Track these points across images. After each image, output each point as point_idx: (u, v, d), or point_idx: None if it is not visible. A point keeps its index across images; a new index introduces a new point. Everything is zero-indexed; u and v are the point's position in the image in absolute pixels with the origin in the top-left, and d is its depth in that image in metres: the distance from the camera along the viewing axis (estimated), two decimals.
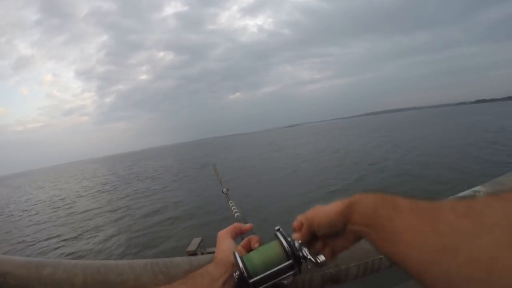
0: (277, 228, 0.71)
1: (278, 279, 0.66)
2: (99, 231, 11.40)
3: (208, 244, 6.95)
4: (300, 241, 0.68)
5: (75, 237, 11.01)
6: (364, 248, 0.87)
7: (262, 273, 0.64)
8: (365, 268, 0.87)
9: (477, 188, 1.16)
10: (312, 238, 0.70)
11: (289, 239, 0.68)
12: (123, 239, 10.11)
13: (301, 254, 0.67)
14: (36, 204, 21.04)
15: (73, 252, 9.57)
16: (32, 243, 11.16)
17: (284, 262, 0.65)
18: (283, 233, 0.69)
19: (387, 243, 0.55)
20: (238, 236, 0.82)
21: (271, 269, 0.64)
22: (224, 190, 1.30)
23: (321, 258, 0.67)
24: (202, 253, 6.35)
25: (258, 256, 0.67)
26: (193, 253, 6.29)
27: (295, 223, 0.72)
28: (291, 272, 0.66)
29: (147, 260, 0.83)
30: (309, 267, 0.67)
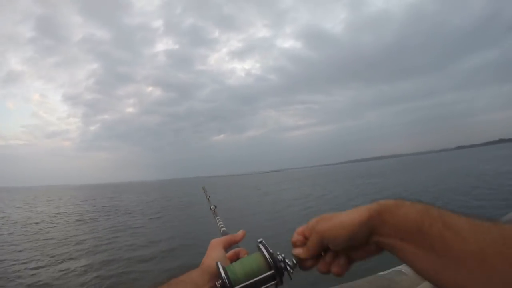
0: (259, 240, 0.69)
1: None
2: (68, 262, 10.70)
3: None
4: (282, 255, 0.67)
5: (43, 266, 10.26)
6: None
7: (243, 282, 0.65)
8: None
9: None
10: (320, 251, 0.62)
11: (271, 250, 0.67)
12: (82, 268, 9.72)
13: (283, 265, 0.66)
14: (10, 224, 20.02)
15: (35, 282, 8.82)
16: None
17: (265, 273, 0.66)
18: (265, 244, 0.68)
19: (436, 268, 0.47)
20: (231, 247, 0.78)
21: (252, 279, 0.65)
22: (211, 207, 1.32)
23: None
24: None
25: (240, 266, 0.67)
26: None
27: (296, 237, 0.64)
28: (272, 283, 0.67)
29: None
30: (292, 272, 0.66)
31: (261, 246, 0.67)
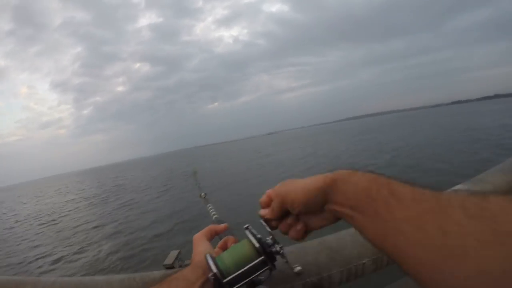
0: (245, 226, 0.69)
1: (253, 276, 0.65)
2: (81, 247, 11.17)
3: (186, 257, 6.82)
4: (271, 237, 0.67)
5: (64, 255, 10.63)
6: (345, 254, 0.84)
7: (235, 272, 0.63)
8: (348, 274, 0.84)
9: (458, 186, 1.14)
10: (284, 214, 0.66)
11: (259, 236, 0.66)
12: (103, 252, 10.04)
13: (273, 250, 0.65)
14: (22, 221, 20.30)
15: (52, 269, 9.43)
16: (23, 262, 10.77)
17: (255, 260, 0.64)
18: (252, 230, 0.68)
19: (380, 233, 0.49)
20: (215, 237, 0.78)
21: (244, 267, 0.64)
22: (202, 194, 1.25)
23: (297, 268, 0.72)
24: (180, 266, 6.30)
25: (229, 256, 0.66)
26: (171, 267, 6.35)
27: (263, 198, 0.68)
28: (265, 268, 0.65)
29: (124, 275, 0.83)
30: (285, 261, 0.67)
31: (247, 232, 0.67)
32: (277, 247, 0.65)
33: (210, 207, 1.11)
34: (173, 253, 6.82)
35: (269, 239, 0.66)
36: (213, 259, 0.63)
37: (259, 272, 0.64)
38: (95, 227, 13.72)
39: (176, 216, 12.85)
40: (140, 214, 14.63)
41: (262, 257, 0.64)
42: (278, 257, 0.66)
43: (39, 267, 9.95)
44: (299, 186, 0.60)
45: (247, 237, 0.67)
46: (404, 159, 16.98)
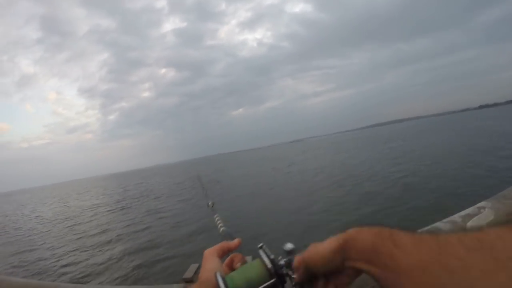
0: (260, 245, 0.68)
1: None
2: (102, 251, 11.00)
3: None
4: (284, 260, 0.66)
5: (86, 258, 10.39)
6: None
7: None
8: None
9: (482, 203, 1.15)
10: (313, 277, 0.65)
11: (272, 256, 0.65)
12: (120, 260, 9.69)
13: (285, 272, 0.65)
14: (45, 222, 20.44)
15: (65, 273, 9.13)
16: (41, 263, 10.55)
17: (267, 281, 0.63)
18: (266, 250, 0.66)
19: (392, 282, 0.56)
20: (226, 254, 0.76)
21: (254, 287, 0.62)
22: (209, 203, 1.13)
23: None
24: None
25: (240, 275, 0.64)
26: (190, 280, 6.08)
27: (295, 264, 0.66)
28: None
29: (141, 287, 0.64)
30: (293, 284, 0.65)
31: (261, 252, 0.66)
32: (289, 271, 0.65)
33: (217, 217, 1.02)
34: (193, 267, 6.55)
35: (282, 261, 0.66)
36: (223, 278, 0.62)
37: None
38: (117, 235, 13.31)
39: (195, 226, 12.34)
40: (162, 223, 14.21)
41: (274, 280, 0.64)
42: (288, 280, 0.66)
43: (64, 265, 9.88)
44: (319, 250, 0.62)
45: (260, 257, 0.66)
46: (430, 168, 16.06)
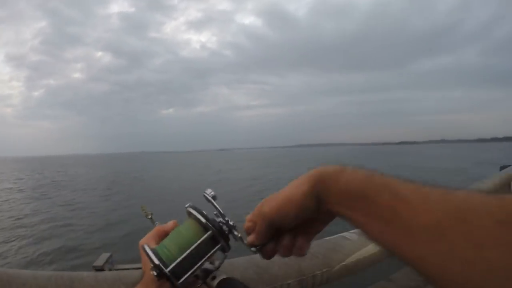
0: (187, 205, 0.57)
1: (204, 259, 0.54)
2: (8, 238, 10.69)
3: (118, 261, 6.66)
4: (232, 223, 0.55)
5: None
6: (271, 273, 0.85)
7: (180, 256, 0.52)
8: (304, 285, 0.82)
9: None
10: (276, 234, 0.53)
11: (204, 212, 0.55)
12: (32, 246, 9.77)
13: (224, 227, 0.54)
14: None
15: None
16: None
17: (202, 236, 0.53)
18: (196, 207, 0.56)
19: (390, 238, 0.41)
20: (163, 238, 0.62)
21: (189, 248, 0.52)
22: (149, 217, 0.95)
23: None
24: (110, 269, 6.11)
25: (171, 241, 0.55)
26: (100, 269, 6.01)
27: (247, 225, 0.55)
28: (217, 247, 0.55)
29: (52, 272, 0.78)
30: (245, 243, 0.54)
31: (191, 210, 0.56)
32: (231, 223, 0.56)
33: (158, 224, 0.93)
34: (104, 256, 6.54)
35: (219, 218, 0.56)
36: (151, 249, 0.53)
37: (211, 253, 0.55)
38: (29, 222, 13.07)
39: (115, 223, 12.43)
40: (78, 215, 14.13)
41: (210, 232, 0.54)
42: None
43: None
44: (284, 199, 0.50)
45: (191, 215, 0.56)
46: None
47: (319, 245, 1.12)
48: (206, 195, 0.57)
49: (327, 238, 1.21)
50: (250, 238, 0.54)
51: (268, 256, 0.55)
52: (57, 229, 11.80)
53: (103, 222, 12.36)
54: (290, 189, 0.50)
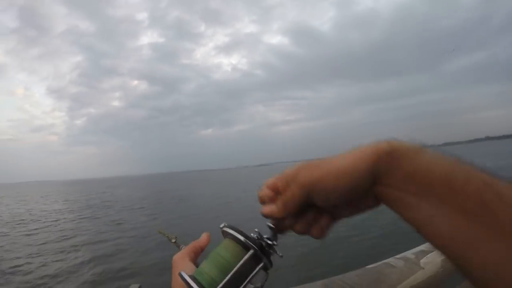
0: (222, 225, 0.55)
1: (248, 279, 0.50)
2: (60, 259, 10.40)
3: None
4: (272, 226, 0.50)
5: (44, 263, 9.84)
6: None
7: (222, 280, 0.48)
8: None
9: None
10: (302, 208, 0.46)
11: (241, 229, 0.52)
12: (83, 271, 9.20)
13: (264, 243, 0.50)
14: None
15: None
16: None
17: (244, 256, 0.49)
18: (232, 226, 0.53)
19: (471, 235, 0.34)
20: (199, 255, 0.61)
21: (231, 271, 0.48)
22: (173, 240, 0.99)
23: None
24: None
25: (210, 265, 0.51)
26: None
27: (265, 191, 0.49)
28: (259, 266, 0.51)
29: None
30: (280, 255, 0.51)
31: (227, 229, 0.53)
32: (267, 237, 0.50)
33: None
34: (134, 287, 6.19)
35: (254, 234, 0.51)
36: (190, 276, 0.49)
37: (254, 272, 0.50)
38: (78, 244, 12.74)
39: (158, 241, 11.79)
40: (124, 235, 13.77)
41: (252, 251, 0.49)
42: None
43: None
44: (338, 167, 0.40)
45: (227, 235, 0.52)
46: None
47: (360, 276, 1.00)
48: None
49: (368, 266, 1.09)
50: (270, 208, 0.48)
51: (282, 230, 0.50)
52: (104, 249, 11.43)
53: (144, 245, 11.78)
54: (347, 158, 0.41)
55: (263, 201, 0.49)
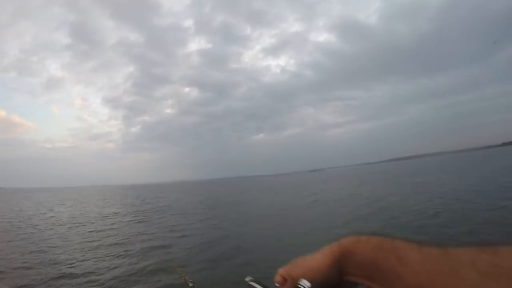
0: (247, 279, 0.59)
1: None
2: (114, 263, 9.60)
3: None
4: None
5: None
6: None
7: None
8: None
9: None
10: None
11: (267, 285, 0.58)
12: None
13: None
14: (60, 224, 19.05)
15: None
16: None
17: None
18: (257, 280, 0.58)
19: None
20: None
21: None
22: (191, 285, 0.90)
23: None
24: None
25: None
26: None
27: (277, 278, 0.59)
28: None
29: None
30: None
31: (254, 284, 0.59)
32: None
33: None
34: None
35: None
36: None
37: None
38: (134, 248, 11.78)
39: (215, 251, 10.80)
40: (181, 241, 12.82)
41: None
42: None
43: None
44: (311, 266, 0.58)
45: None
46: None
47: None
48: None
49: None
50: None
51: None
52: (155, 259, 10.05)
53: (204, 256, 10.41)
54: (317, 258, 0.57)
55: (278, 284, 0.60)
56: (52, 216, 24.36)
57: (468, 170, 40.44)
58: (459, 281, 0.45)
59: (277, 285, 0.58)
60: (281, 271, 0.59)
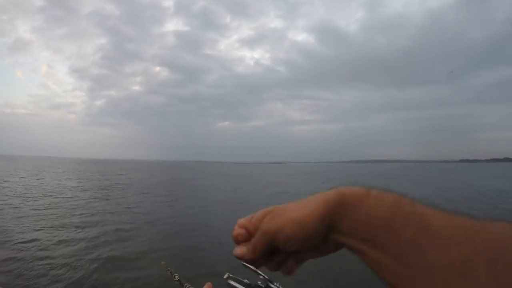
0: (225, 276, 0.52)
1: None
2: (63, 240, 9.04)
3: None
4: (261, 276, 0.50)
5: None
6: None
7: None
8: None
9: None
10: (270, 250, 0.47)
11: (245, 280, 0.51)
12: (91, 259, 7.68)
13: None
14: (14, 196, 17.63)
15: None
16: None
17: None
18: (235, 277, 0.51)
19: (404, 276, 0.37)
20: None
21: None
22: (176, 278, 0.86)
23: None
24: None
25: None
26: None
27: (238, 231, 0.48)
28: None
29: None
30: None
31: (231, 282, 0.52)
32: (274, 285, 0.52)
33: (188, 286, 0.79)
34: None
35: (260, 280, 0.53)
36: None
37: None
38: (83, 224, 11.32)
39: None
40: (139, 220, 12.53)
41: None
42: None
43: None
44: (294, 218, 0.43)
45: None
46: None
47: None
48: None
49: None
50: (241, 250, 0.49)
51: (256, 266, 0.52)
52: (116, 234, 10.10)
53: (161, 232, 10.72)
54: (302, 208, 0.43)
55: (237, 241, 0.50)
56: (5, 187, 22.91)
57: (427, 179, 42.69)
58: (501, 267, 0.33)
59: (237, 252, 0.48)
60: (243, 221, 0.49)
